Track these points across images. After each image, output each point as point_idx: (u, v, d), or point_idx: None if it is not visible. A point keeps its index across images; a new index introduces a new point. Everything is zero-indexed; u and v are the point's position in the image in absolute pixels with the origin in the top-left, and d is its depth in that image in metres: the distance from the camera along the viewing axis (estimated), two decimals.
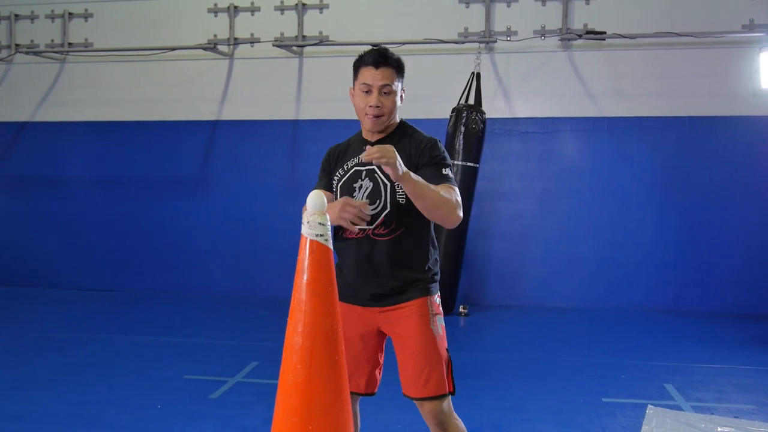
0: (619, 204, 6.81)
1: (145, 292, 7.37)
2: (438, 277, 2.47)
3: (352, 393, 2.37)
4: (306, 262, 1.84)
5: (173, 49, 7.17)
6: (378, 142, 2.40)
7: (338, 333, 1.86)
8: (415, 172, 2.24)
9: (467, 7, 6.93)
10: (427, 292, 2.41)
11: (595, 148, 6.85)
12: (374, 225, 2.35)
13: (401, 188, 2.30)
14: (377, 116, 2.34)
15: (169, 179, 7.54)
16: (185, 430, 3.57)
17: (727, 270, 6.66)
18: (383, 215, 2.35)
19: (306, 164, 7.26)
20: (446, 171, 2.34)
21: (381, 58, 2.34)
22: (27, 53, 7.61)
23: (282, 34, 7.21)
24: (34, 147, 7.80)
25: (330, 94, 7.05)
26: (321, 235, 1.86)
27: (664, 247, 6.75)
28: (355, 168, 2.40)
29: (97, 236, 7.66)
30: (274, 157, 7.36)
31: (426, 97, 6.46)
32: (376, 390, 2.51)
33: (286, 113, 7.32)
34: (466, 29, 6.91)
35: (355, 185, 2.38)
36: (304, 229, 1.88)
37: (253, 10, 7.29)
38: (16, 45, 7.68)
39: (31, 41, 7.71)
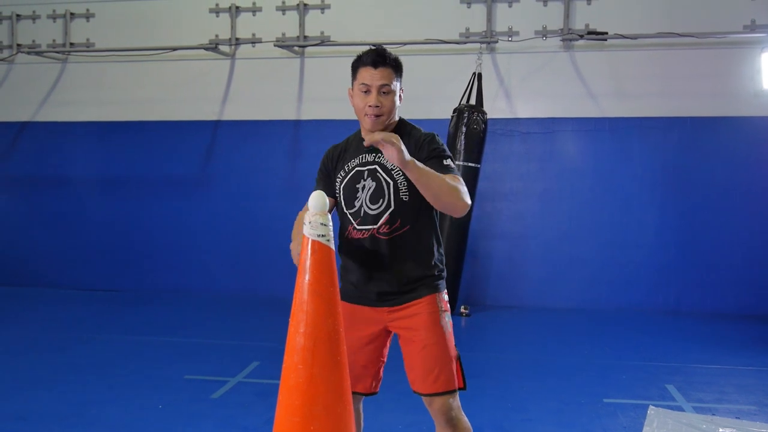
0: (620, 204, 6.80)
1: (145, 292, 7.37)
2: (444, 274, 2.46)
3: (356, 393, 2.37)
4: (308, 263, 1.85)
5: (175, 49, 7.17)
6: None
7: (340, 333, 1.86)
8: None
9: (468, 8, 6.93)
10: (435, 289, 2.40)
11: (596, 148, 6.85)
12: (378, 224, 2.34)
13: (405, 186, 2.31)
14: (376, 116, 2.33)
15: (170, 179, 7.55)
16: (186, 430, 3.57)
17: (728, 270, 6.65)
18: (387, 214, 2.34)
19: (307, 164, 7.25)
20: (447, 162, 2.32)
21: (379, 58, 2.34)
22: (29, 53, 7.62)
23: (283, 34, 7.21)
24: (36, 147, 7.81)
25: (331, 95, 7.05)
26: (323, 236, 1.86)
27: (665, 248, 6.75)
28: (357, 169, 2.39)
29: (98, 236, 7.66)
30: (275, 157, 7.36)
31: (427, 97, 6.46)
32: (378, 389, 2.50)
33: (288, 113, 7.32)
34: (467, 29, 6.91)
35: (358, 186, 2.37)
36: (306, 230, 1.88)
37: (254, 10, 7.29)
38: (18, 45, 7.68)
39: (33, 41, 7.71)
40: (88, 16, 7.62)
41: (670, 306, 6.72)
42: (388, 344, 2.50)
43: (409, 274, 2.37)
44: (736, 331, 5.92)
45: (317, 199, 1.89)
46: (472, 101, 6.30)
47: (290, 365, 1.80)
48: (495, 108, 6.74)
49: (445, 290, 2.45)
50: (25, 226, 7.83)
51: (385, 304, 2.39)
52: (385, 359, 2.51)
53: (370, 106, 2.33)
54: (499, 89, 6.90)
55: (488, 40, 6.73)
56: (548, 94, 6.88)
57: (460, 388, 2.37)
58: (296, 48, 7.20)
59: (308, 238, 1.87)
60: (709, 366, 4.84)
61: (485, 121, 6.22)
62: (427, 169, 2.18)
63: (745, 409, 3.94)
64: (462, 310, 6.43)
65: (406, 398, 3.74)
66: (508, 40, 6.80)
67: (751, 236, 6.62)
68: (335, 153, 2.48)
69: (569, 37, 6.67)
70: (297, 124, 7.33)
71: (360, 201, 2.36)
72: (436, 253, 2.42)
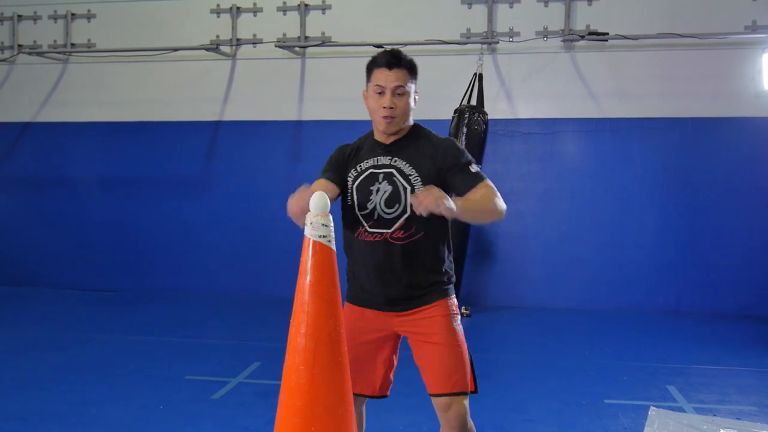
0: (620, 205, 6.80)
1: (146, 292, 7.37)
2: (454, 280, 2.44)
3: (359, 395, 2.36)
4: (309, 263, 1.85)
5: (176, 49, 7.17)
6: (393, 143, 2.37)
7: (341, 334, 1.86)
8: (441, 175, 2.28)
9: (470, 8, 6.93)
10: (445, 294, 2.39)
11: (597, 149, 6.85)
12: (392, 229, 2.31)
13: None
14: (391, 117, 2.31)
15: (170, 179, 7.55)
16: (186, 430, 3.57)
17: (729, 271, 6.65)
18: (402, 219, 2.31)
19: (308, 165, 7.26)
20: (475, 168, 2.33)
21: (394, 60, 2.32)
22: (30, 54, 7.62)
23: (284, 34, 7.21)
24: (37, 147, 7.81)
25: (332, 95, 7.07)
26: (324, 236, 1.86)
27: (666, 248, 6.75)
28: (371, 170, 2.36)
29: (99, 236, 7.66)
30: (275, 158, 7.36)
31: (428, 97, 6.38)
32: (388, 392, 2.48)
33: (288, 114, 7.32)
34: (468, 30, 6.91)
35: (371, 188, 2.34)
36: (307, 231, 1.88)
37: (255, 10, 7.29)
38: (19, 45, 7.68)
39: (34, 42, 7.72)
40: (89, 16, 7.62)
41: (671, 306, 6.72)
42: (397, 348, 2.47)
43: (420, 280, 2.34)
44: (736, 332, 5.92)
45: (318, 200, 1.89)
46: (473, 102, 6.29)
47: (291, 366, 1.80)
48: (496, 108, 6.74)
49: (454, 295, 2.44)
50: (25, 226, 7.83)
51: (394, 308, 2.36)
52: (395, 363, 2.48)
53: (384, 107, 2.30)
54: (500, 90, 6.90)
55: (489, 40, 6.73)
56: (549, 94, 6.88)
57: (471, 392, 2.37)
58: (297, 48, 7.20)
59: (309, 239, 1.86)
60: (710, 367, 4.84)
61: (486, 122, 6.22)
62: (469, 202, 2.21)
63: (746, 410, 3.94)
64: (462, 310, 6.42)
65: (407, 398, 3.74)
66: (509, 41, 6.80)
67: (752, 236, 6.62)
68: (347, 150, 2.45)
69: (570, 37, 6.67)
70: (298, 124, 7.33)
71: (374, 203, 2.32)
72: (446, 260, 2.41)
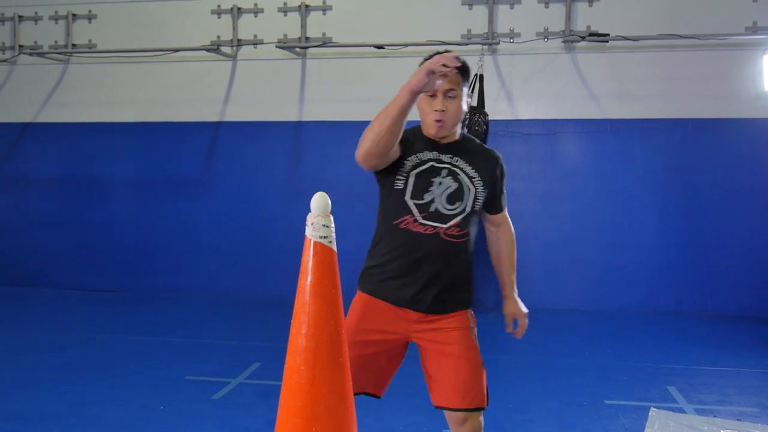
0: (621, 206, 6.80)
1: (146, 293, 7.37)
2: (473, 292, 2.46)
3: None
4: (310, 264, 1.84)
5: (176, 50, 7.17)
6: (451, 144, 2.37)
7: (341, 334, 1.86)
8: (492, 186, 2.44)
9: (470, 9, 6.93)
10: (468, 305, 2.39)
11: (597, 150, 6.85)
12: (448, 225, 2.30)
13: (481, 197, 2.36)
14: (442, 121, 2.29)
15: (171, 180, 7.55)
16: (186, 430, 3.57)
17: (730, 272, 6.65)
18: (460, 217, 2.31)
19: (308, 165, 7.27)
20: (505, 193, 2.56)
21: None
22: (30, 54, 7.62)
23: (285, 35, 7.21)
24: (37, 148, 7.81)
25: (333, 96, 7.07)
26: (325, 237, 1.86)
27: (667, 249, 6.74)
28: (432, 163, 2.32)
29: (99, 236, 7.66)
30: (276, 158, 7.36)
31: None
32: (382, 394, 2.44)
33: (289, 114, 7.32)
34: (469, 31, 6.91)
35: (433, 180, 2.31)
36: (308, 231, 1.87)
37: (256, 11, 7.30)
38: (20, 46, 7.68)
39: (35, 42, 7.72)
40: (90, 17, 7.63)
41: (671, 307, 6.71)
42: (403, 355, 2.42)
43: (454, 283, 2.34)
44: (736, 333, 5.92)
45: (319, 201, 1.88)
46: (474, 102, 6.29)
47: (292, 366, 1.80)
48: (496, 109, 6.74)
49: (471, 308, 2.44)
50: (25, 226, 7.83)
51: (418, 308, 2.31)
52: (395, 370, 2.43)
53: (435, 110, 2.28)
54: (500, 91, 6.90)
55: (490, 41, 6.73)
56: (550, 95, 6.88)
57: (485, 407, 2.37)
58: (298, 49, 7.20)
59: (310, 240, 1.86)
60: (711, 367, 4.84)
61: (487, 123, 6.22)
62: (513, 274, 2.79)
63: (746, 411, 3.94)
64: None
65: (407, 399, 3.74)
66: (510, 42, 6.80)
67: (752, 237, 6.62)
68: (408, 134, 2.38)
69: (571, 38, 6.67)
70: (298, 125, 7.33)
71: (433, 196, 2.30)
72: (471, 269, 2.44)
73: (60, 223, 7.73)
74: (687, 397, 4.17)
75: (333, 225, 1.92)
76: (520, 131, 6.92)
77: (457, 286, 2.35)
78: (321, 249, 1.85)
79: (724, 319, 6.38)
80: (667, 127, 6.72)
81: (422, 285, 2.30)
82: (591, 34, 6.61)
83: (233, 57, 7.38)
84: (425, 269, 2.29)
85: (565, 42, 6.76)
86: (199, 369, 4.66)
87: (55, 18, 7.69)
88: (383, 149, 2.17)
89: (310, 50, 7.24)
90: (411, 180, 2.30)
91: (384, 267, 2.34)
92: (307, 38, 7.15)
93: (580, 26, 6.72)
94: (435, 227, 2.29)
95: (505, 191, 2.52)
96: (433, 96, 2.28)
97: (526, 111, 6.93)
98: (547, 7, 6.80)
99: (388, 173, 2.32)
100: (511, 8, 6.86)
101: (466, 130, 6.12)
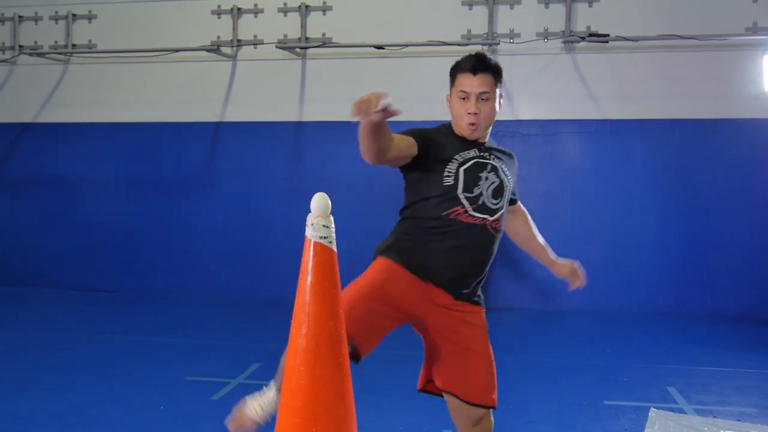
0: (621, 206, 6.80)
1: (146, 293, 7.37)
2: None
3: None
4: (310, 264, 1.84)
5: (177, 50, 7.17)
6: (483, 143, 2.46)
7: (341, 335, 1.86)
8: (517, 184, 2.66)
9: (470, 9, 6.93)
10: (484, 303, 2.43)
11: (597, 150, 6.85)
12: (494, 217, 2.37)
13: (512, 192, 2.55)
14: (476, 123, 2.33)
15: (171, 180, 7.55)
16: (186, 431, 3.56)
17: (730, 272, 6.65)
18: (501, 212, 2.40)
19: (308, 166, 7.27)
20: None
21: (479, 65, 2.31)
22: (30, 54, 7.62)
23: (285, 35, 7.21)
24: (37, 148, 7.81)
25: (333, 96, 7.06)
26: (325, 237, 1.86)
27: (666, 249, 6.75)
28: (476, 160, 2.38)
29: (99, 236, 7.66)
30: (276, 159, 7.36)
31: (429, 98, 6.41)
32: (363, 356, 2.27)
33: (289, 115, 7.33)
34: (469, 31, 6.91)
35: (481, 175, 2.37)
36: (308, 231, 1.87)
37: (256, 11, 7.30)
38: (20, 46, 7.68)
39: (35, 42, 7.72)
40: (90, 17, 7.63)
41: (671, 307, 6.71)
42: (397, 326, 2.37)
43: (485, 274, 2.40)
44: (737, 333, 5.92)
45: (320, 201, 1.88)
46: None
47: (292, 367, 1.81)
48: None
49: None
50: (25, 226, 7.83)
51: (453, 291, 2.32)
52: (384, 338, 2.34)
53: (469, 113, 2.31)
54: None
55: (490, 42, 6.73)
56: (550, 95, 6.88)
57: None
58: (298, 49, 7.21)
59: (310, 240, 1.86)
60: (711, 368, 4.84)
61: None
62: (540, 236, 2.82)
63: (746, 412, 3.94)
64: None
65: (407, 399, 3.74)
66: (510, 42, 6.80)
67: (752, 238, 6.62)
68: (439, 134, 2.40)
69: (571, 39, 6.68)
70: (298, 125, 7.34)
71: (480, 189, 2.34)
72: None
73: (60, 223, 7.73)
74: (687, 397, 4.17)
75: (333, 225, 1.92)
76: (520, 131, 6.92)
77: (485, 280, 2.44)
78: (321, 249, 1.85)
79: (724, 320, 6.38)
80: (666, 127, 6.72)
81: (463, 271, 2.33)
82: (591, 35, 6.61)
83: (233, 57, 7.38)
84: (470, 257, 2.33)
85: (565, 42, 6.76)
86: (199, 369, 4.66)
87: (55, 18, 7.69)
88: (378, 159, 2.16)
89: (310, 50, 7.24)
90: (462, 175, 2.34)
91: (416, 254, 2.32)
92: (307, 38, 7.16)
93: (580, 27, 6.72)
94: (483, 218, 2.34)
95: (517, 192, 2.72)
96: (465, 99, 2.29)
97: (526, 111, 6.93)
98: (547, 7, 6.80)
99: (428, 171, 2.33)
100: (511, 9, 6.86)
101: None
